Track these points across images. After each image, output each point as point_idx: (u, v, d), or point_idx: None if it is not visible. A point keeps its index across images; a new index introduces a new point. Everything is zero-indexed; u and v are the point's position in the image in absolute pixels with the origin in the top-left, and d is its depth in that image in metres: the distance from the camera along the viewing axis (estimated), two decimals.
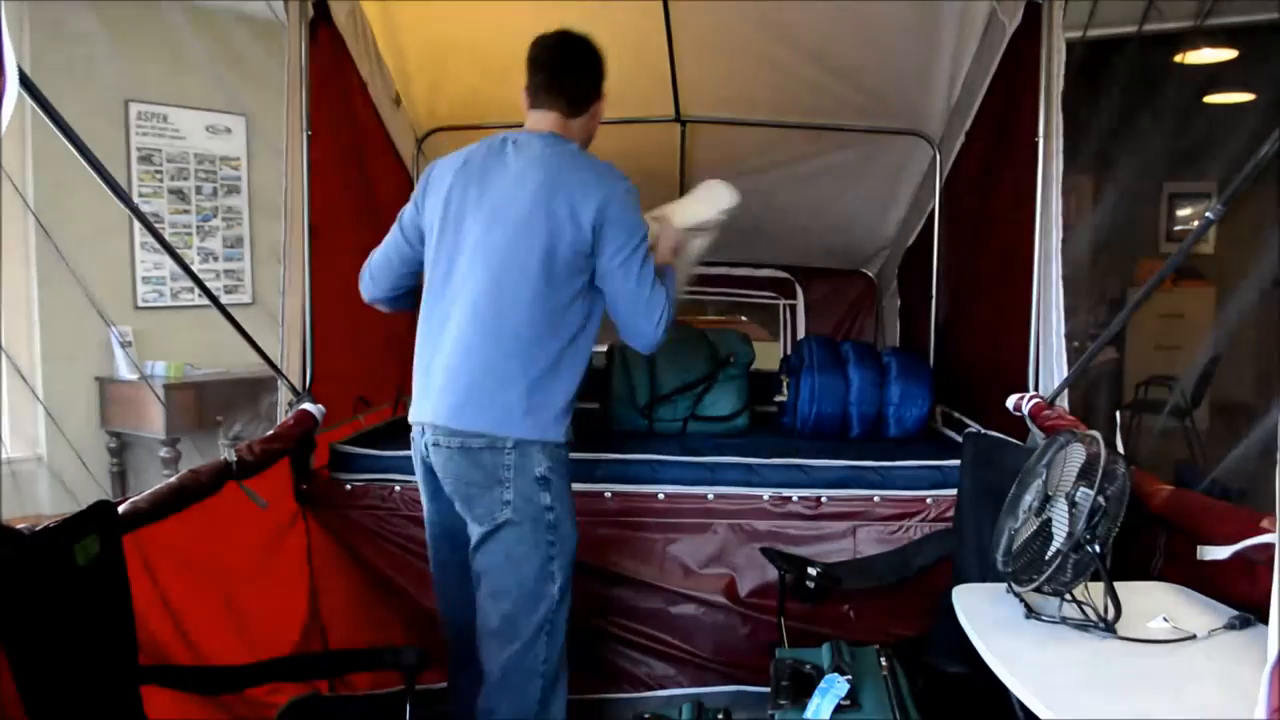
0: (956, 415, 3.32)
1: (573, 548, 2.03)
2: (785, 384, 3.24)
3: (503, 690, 1.97)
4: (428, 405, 2.03)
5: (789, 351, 4.10)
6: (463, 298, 2.00)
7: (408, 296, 2.26)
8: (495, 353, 1.95)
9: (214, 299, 2.37)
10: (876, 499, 2.62)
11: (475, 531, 1.98)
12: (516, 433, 1.93)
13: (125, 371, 4.46)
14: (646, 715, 1.83)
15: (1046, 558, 1.56)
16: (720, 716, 1.90)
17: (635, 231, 1.98)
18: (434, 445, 2.00)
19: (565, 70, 2.08)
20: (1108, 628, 1.49)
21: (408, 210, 2.18)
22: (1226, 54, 4.19)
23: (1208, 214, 1.79)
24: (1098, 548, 1.51)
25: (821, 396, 3.11)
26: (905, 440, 3.10)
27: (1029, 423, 2.45)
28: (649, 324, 2.00)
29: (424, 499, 2.15)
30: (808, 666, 1.87)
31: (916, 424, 3.12)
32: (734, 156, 3.84)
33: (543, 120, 2.08)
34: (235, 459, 2.20)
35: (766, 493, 2.65)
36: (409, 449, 2.75)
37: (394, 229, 2.21)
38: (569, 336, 1.98)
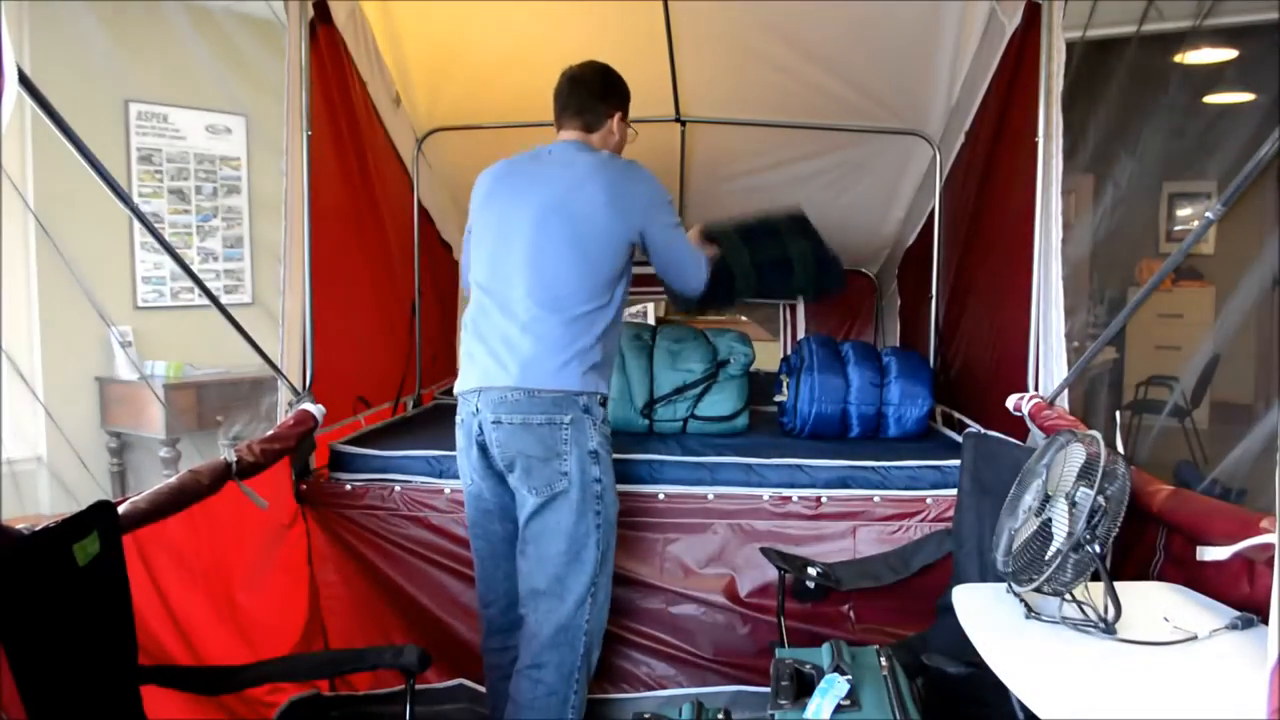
0: (956, 415, 3.32)
1: (614, 516, 2.25)
2: (785, 384, 3.23)
3: (552, 648, 2.19)
4: (480, 373, 2.23)
5: (789, 351, 4.10)
6: (516, 279, 2.23)
7: None
8: (553, 323, 2.19)
9: (214, 299, 2.37)
10: (876, 499, 2.63)
11: (530, 502, 2.17)
12: (573, 386, 2.16)
13: (125, 371, 4.46)
14: (646, 715, 1.83)
15: (1046, 558, 1.56)
16: (720, 716, 1.90)
17: (670, 210, 2.37)
18: (494, 423, 2.17)
19: (573, 99, 2.38)
20: (1108, 628, 1.49)
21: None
22: (1226, 54, 4.20)
23: (1208, 214, 1.79)
24: (1098, 548, 1.51)
25: (821, 397, 3.10)
26: (905, 440, 3.10)
27: (1029, 423, 2.45)
28: (698, 275, 2.44)
29: (472, 477, 2.28)
30: (808, 666, 1.87)
31: (917, 424, 3.12)
32: (734, 156, 3.85)
33: (567, 136, 2.38)
34: (235, 459, 2.20)
35: (766, 493, 2.65)
36: (409, 449, 2.77)
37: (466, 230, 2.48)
38: (611, 309, 2.26)
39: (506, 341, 2.19)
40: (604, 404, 2.25)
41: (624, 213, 2.24)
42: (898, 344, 4.46)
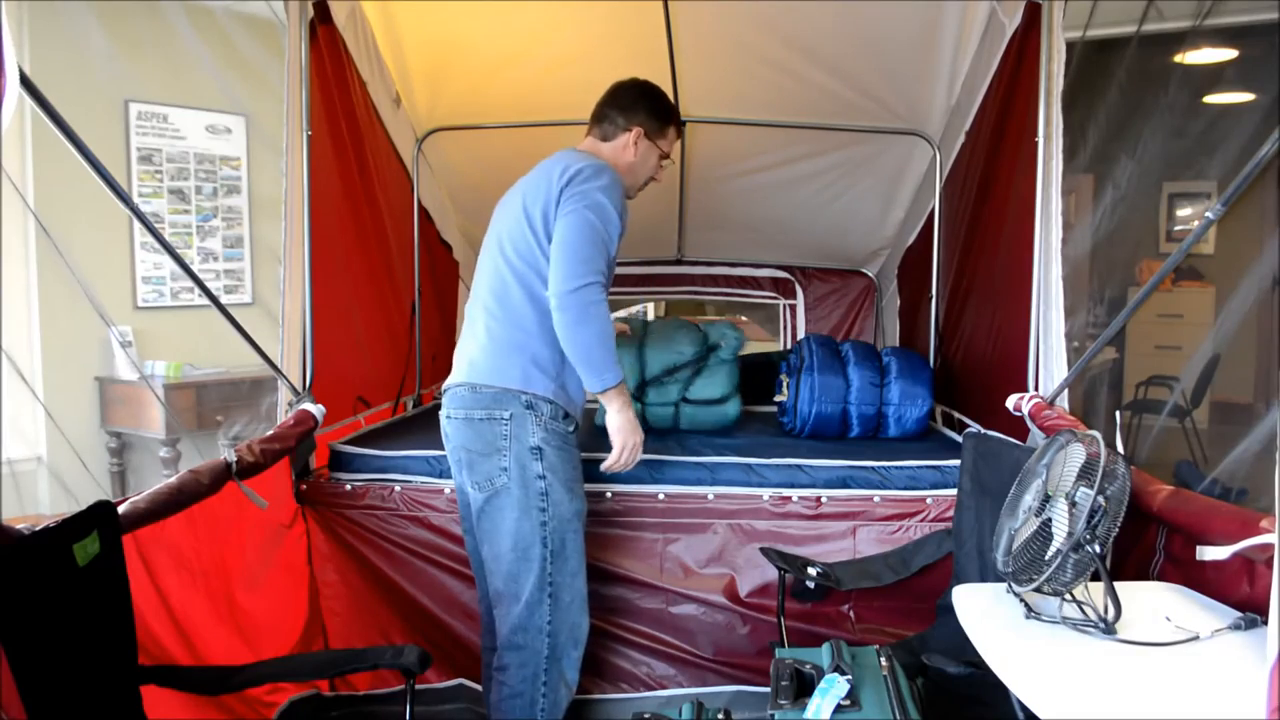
0: (956, 415, 3.32)
1: (567, 513, 2.18)
2: (785, 384, 3.23)
3: (511, 648, 2.17)
4: (451, 374, 2.29)
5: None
6: (483, 281, 2.29)
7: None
8: (502, 322, 2.21)
9: (214, 299, 2.37)
10: (876, 499, 2.63)
11: (476, 499, 2.18)
12: (514, 384, 2.14)
13: (125, 371, 4.46)
14: (646, 715, 1.83)
15: (1046, 558, 1.56)
16: (720, 716, 1.90)
17: (589, 196, 2.11)
18: (447, 418, 2.24)
19: (600, 105, 2.39)
20: (1108, 628, 1.49)
21: None
22: (1226, 54, 4.19)
23: (1208, 214, 1.79)
24: (1098, 548, 1.51)
25: (821, 397, 3.10)
26: (905, 440, 3.10)
27: (1029, 423, 2.45)
28: (570, 269, 2.08)
29: (455, 475, 2.31)
30: (808, 666, 1.87)
31: (917, 424, 3.11)
32: (734, 156, 3.85)
33: (579, 143, 2.38)
34: (235, 459, 2.20)
35: (766, 493, 2.65)
36: (409, 449, 2.77)
37: None
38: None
39: (468, 341, 2.27)
40: (555, 401, 2.17)
41: (557, 203, 2.11)
42: (898, 344, 4.46)
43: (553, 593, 2.15)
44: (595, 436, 2.46)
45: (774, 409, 3.35)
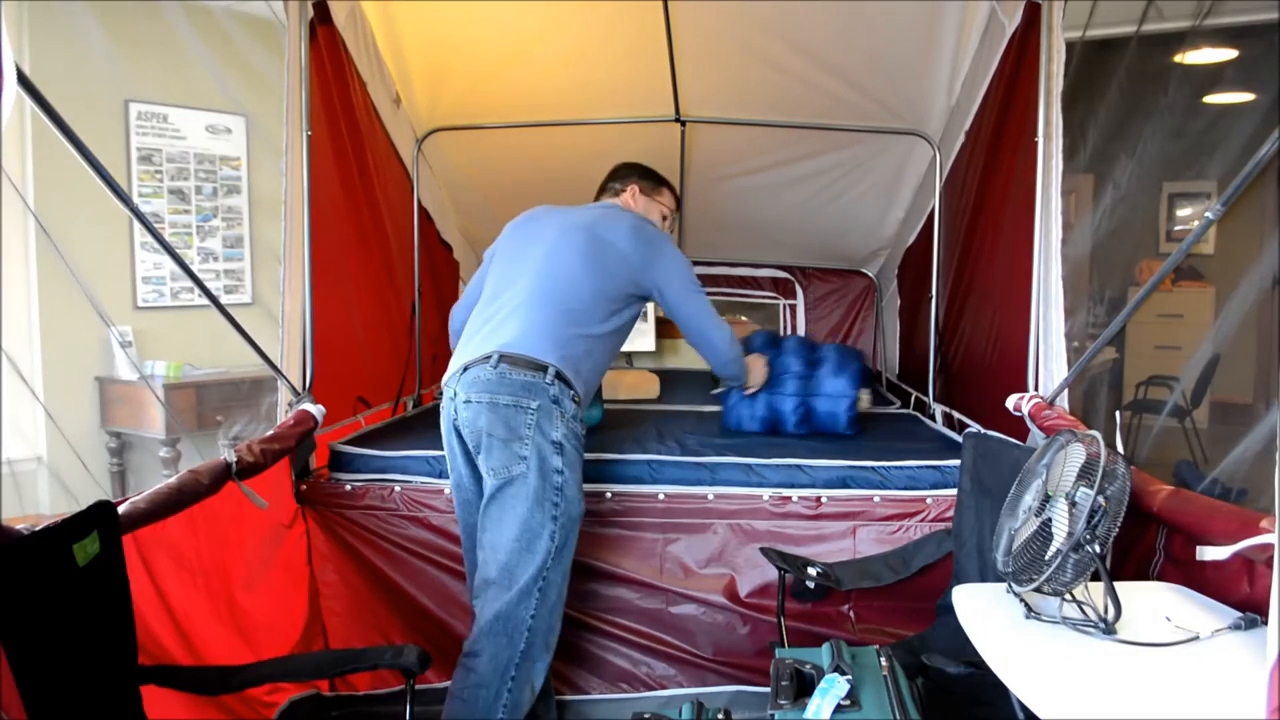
0: (956, 415, 3.32)
1: (576, 514, 2.20)
2: (721, 380, 3.28)
3: (490, 636, 2.12)
4: (460, 359, 2.29)
5: None
6: (522, 279, 2.35)
7: None
8: (546, 309, 2.29)
9: (214, 299, 2.37)
10: (876, 499, 2.63)
11: (490, 485, 2.16)
12: (550, 359, 2.20)
13: (125, 371, 4.46)
14: (646, 715, 1.82)
15: (1046, 558, 1.56)
16: (720, 716, 1.90)
17: (689, 274, 2.50)
18: (465, 403, 2.19)
19: (605, 180, 2.77)
20: (1108, 628, 1.49)
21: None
22: (1226, 54, 4.19)
23: (1208, 214, 1.79)
24: (1098, 548, 1.51)
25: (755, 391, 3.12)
26: (839, 435, 3.11)
27: (1029, 423, 2.45)
28: (721, 339, 2.60)
29: (452, 464, 2.31)
30: (808, 666, 1.87)
31: (848, 415, 3.12)
32: (734, 156, 3.85)
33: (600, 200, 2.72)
34: (235, 459, 2.20)
35: (766, 493, 2.65)
36: (409, 449, 2.77)
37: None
38: (604, 325, 2.35)
39: (494, 323, 2.28)
40: (577, 402, 2.23)
41: (644, 247, 2.39)
42: (898, 344, 4.46)
43: (543, 589, 2.14)
44: (594, 436, 2.47)
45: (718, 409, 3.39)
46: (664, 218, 2.73)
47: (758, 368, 2.99)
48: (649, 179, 2.72)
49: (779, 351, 3.20)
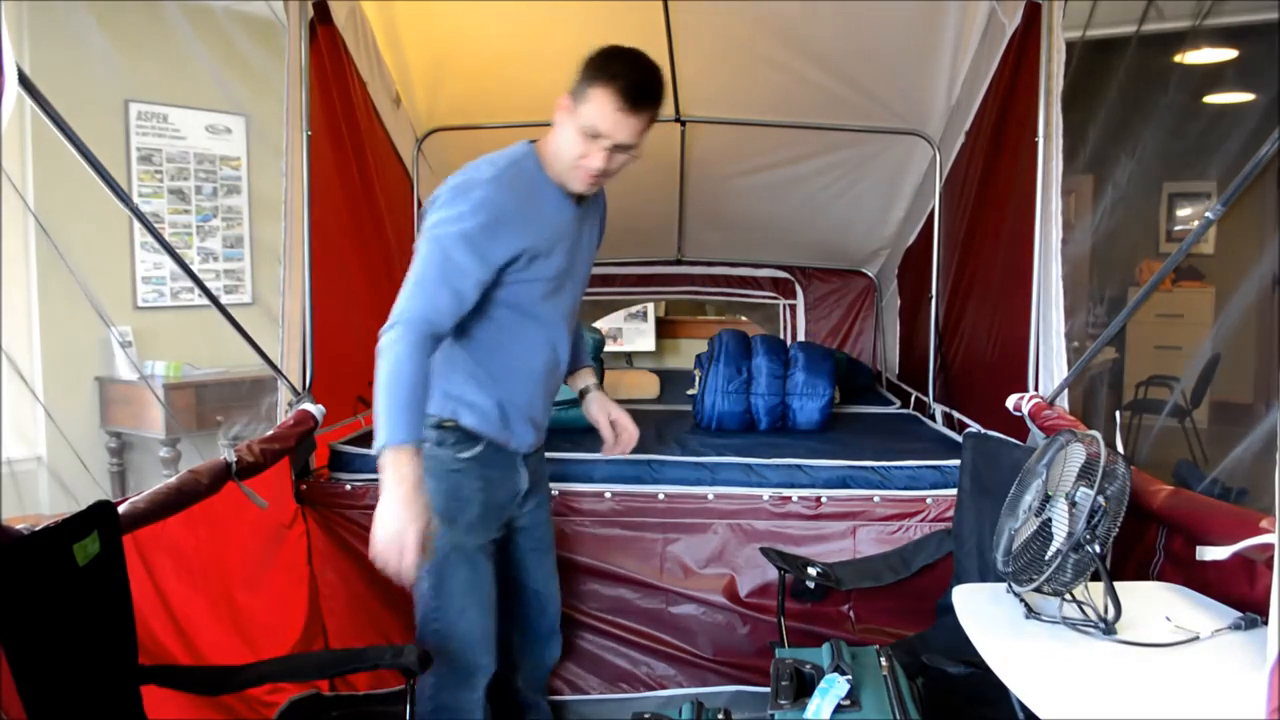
0: (956, 415, 3.32)
1: (443, 545, 2.02)
2: (696, 378, 3.30)
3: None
4: None
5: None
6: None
7: None
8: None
9: (214, 299, 2.37)
10: (876, 499, 2.62)
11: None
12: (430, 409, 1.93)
13: (125, 371, 4.46)
14: (646, 715, 1.83)
15: (1046, 558, 1.56)
16: (720, 716, 1.90)
17: (441, 220, 1.94)
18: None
19: None
20: (1108, 628, 1.49)
21: None
22: (1226, 54, 4.19)
23: (1208, 214, 1.79)
24: (1098, 548, 1.50)
25: (726, 387, 3.18)
26: (811, 432, 3.14)
27: (1029, 423, 2.45)
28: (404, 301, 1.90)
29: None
30: (808, 666, 1.87)
31: (820, 414, 3.20)
32: (734, 156, 3.85)
33: None
34: (235, 459, 2.20)
35: (766, 493, 2.65)
36: None
37: None
38: (470, 328, 1.99)
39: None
40: (457, 428, 1.98)
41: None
42: (898, 344, 4.46)
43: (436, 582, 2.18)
44: (593, 435, 2.44)
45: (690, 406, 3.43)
46: (593, 137, 1.90)
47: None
48: (583, 74, 1.93)
49: (751, 353, 3.25)
